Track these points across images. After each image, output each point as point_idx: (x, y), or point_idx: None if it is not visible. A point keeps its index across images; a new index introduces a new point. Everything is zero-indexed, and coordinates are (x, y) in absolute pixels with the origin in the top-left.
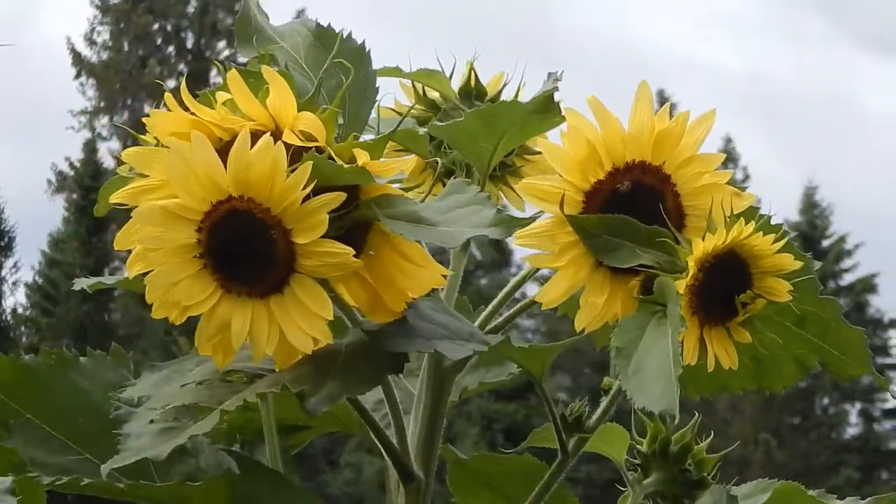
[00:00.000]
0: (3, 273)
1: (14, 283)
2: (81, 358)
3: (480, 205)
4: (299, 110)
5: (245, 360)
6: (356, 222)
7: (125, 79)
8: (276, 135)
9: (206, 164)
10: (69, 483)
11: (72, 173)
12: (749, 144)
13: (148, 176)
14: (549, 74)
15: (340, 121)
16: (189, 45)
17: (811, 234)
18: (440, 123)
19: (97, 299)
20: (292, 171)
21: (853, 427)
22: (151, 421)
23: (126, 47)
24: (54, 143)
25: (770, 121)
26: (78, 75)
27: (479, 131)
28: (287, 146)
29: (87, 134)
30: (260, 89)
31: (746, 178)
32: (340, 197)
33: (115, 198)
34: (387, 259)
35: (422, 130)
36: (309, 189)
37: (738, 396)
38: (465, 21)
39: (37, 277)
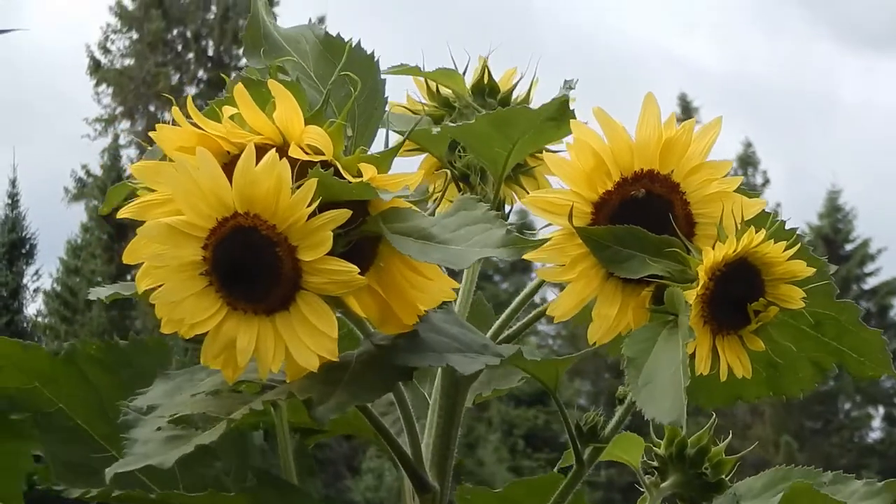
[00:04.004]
0: (25, 280)
1: (35, 291)
2: (122, 342)
3: (490, 224)
4: (307, 123)
5: (254, 371)
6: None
7: (140, 86)
8: (284, 149)
9: (211, 181)
10: (101, 493)
11: (90, 181)
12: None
13: (155, 190)
14: (565, 82)
15: (350, 133)
16: (210, 52)
17: (833, 238)
18: (452, 125)
19: (121, 305)
20: (298, 187)
21: (876, 431)
22: (158, 428)
23: (142, 55)
24: (66, 152)
25: (754, 116)
26: (98, 84)
27: (493, 136)
28: (295, 161)
29: (103, 142)
30: (269, 100)
31: (766, 182)
32: (346, 213)
33: (124, 213)
34: (396, 271)
35: (435, 130)
36: (315, 205)
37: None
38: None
39: (55, 285)
